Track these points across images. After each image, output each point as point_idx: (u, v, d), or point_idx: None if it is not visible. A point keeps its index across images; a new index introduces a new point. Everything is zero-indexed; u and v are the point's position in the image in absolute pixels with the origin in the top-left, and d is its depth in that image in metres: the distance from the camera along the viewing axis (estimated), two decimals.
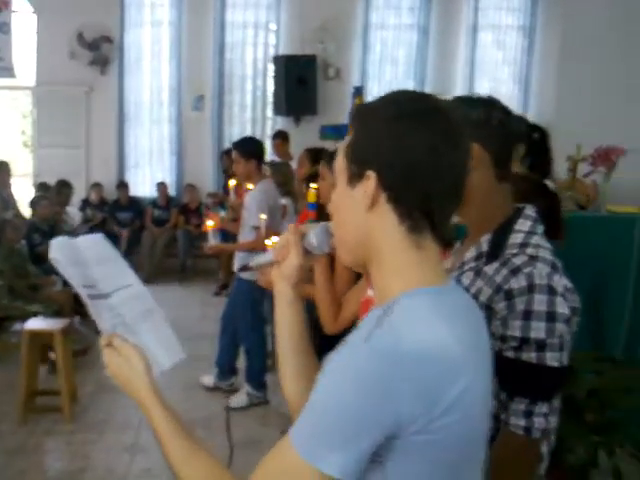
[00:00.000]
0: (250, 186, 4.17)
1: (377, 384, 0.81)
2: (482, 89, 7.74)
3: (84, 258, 1.17)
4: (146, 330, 1.19)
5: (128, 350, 1.11)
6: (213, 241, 3.99)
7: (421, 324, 0.86)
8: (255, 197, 4.09)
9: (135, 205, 8.02)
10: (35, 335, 3.99)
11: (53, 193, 6.13)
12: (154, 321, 1.23)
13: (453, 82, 8.17)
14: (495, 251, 1.30)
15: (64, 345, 3.94)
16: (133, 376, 1.09)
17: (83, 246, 1.19)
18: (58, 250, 1.13)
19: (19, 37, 8.34)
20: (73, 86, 8.20)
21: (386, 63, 8.34)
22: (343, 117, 7.11)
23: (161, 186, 8.04)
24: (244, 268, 1.32)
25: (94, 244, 1.22)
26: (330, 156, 2.40)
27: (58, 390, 4.00)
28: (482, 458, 0.98)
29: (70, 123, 8.29)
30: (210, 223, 3.93)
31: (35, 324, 4.06)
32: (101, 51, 8.13)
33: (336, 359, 0.87)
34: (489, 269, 1.28)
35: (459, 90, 7.91)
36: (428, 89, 7.99)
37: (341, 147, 1.00)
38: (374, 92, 7.86)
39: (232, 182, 4.60)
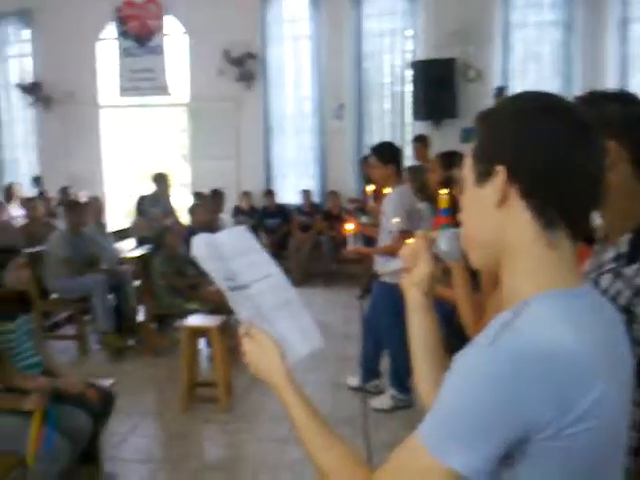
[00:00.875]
0: (388, 191, 4.20)
1: (502, 386, 0.81)
2: (637, 86, 7.25)
3: (224, 252, 1.20)
4: (283, 318, 1.21)
5: (264, 338, 1.15)
6: (352, 245, 4.08)
7: (549, 328, 0.84)
8: (391, 201, 4.10)
9: (282, 212, 8.44)
10: (194, 331, 4.37)
11: (208, 201, 6.64)
12: (292, 310, 1.24)
13: (603, 79, 7.72)
14: (635, 252, 1.25)
15: (220, 341, 4.28)
16: (268, 363, 1.14)
17: (223, 241, 1.22)
18: (199, 247, 1.18)
19: (173, 57, 9.11)
20: (223, 101, 8.80)
21: (529, 62, 8.09)
22: None
23: (305, 193, 8.39)
24: (375, 276, 1.36)
25: (235, 237, 1.25)
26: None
27: (215, 382, 4.35)
28: (620, 468, 0.95)
29: (221, 136, 8.91)
30: (349, 227, 4.03)
31: (194, 321, 4.43)
32: (246, 67, 8.65)
33: (462, 360, 0.87)
34: (629, 271, 1.24)
35: (610, 87, 7.46)
36: (576, 87, 7.64)
37: (468, 150, 1.00)
38: (518, 91, 7.62)
39: (370, 187, 4.66)
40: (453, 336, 1.93)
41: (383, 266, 1.27)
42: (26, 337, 3.21)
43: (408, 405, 4.32)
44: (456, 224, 1.10)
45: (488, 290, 2.25)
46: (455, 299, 2.21)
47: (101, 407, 3.13)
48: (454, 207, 2.69)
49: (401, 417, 4.21)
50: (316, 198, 8.62)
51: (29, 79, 9.68)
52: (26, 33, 9.78)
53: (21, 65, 9.92)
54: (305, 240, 8.12)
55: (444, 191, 2.68)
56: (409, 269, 1.17)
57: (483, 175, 0.94)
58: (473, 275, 2.15)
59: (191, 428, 4.10)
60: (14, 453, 2.70)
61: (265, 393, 4.48)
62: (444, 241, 1.14)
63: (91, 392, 3.11)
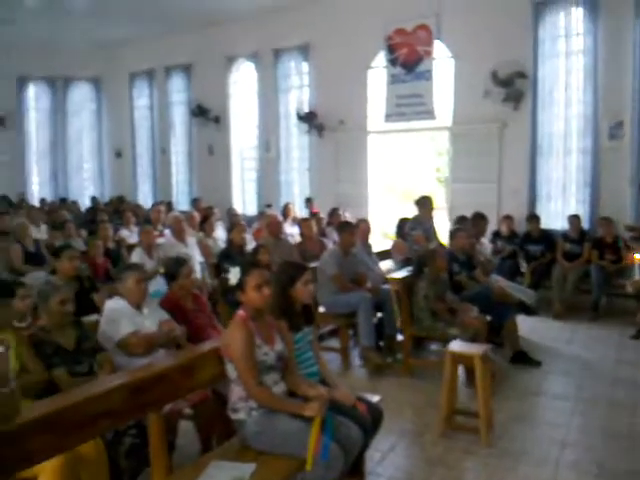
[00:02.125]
0: None
1: None
2: None
3: None
4: None
5: None
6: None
7: None
8: None
9: (546, 238, 7.98)
10: (457, 357, 4.31)
11: (469, 225, 6.55)
12: None
13: None
14: None
15: (484, 370, 4.16)
16: None
17: None
18: None
19: (438, 81, 9.24)
20: (487, 123, 8.66)
21: None
22: None
23: (574, 219, 7.83)
24: None
25: None
26: None
27: (476, 412, 4.24)
28: None
29: (483, 158, 8.76)
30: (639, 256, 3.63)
31: (457, 346, 4.38)
32: (515, 87, 8.40)
33: None
34: None
35: None
36: None
37: None
38: None
39: None
40: None
41: None
42: (307, 347, 3.48)
43: None
44: None
45: None
46: None
47: (371, 422, 3.24)
48: None
49: None
50: (585, 224, 7.98)
51: (306, 109, 10.65)
52: (305, 66, 10.81)
53: (299, 96, 10.97)
54: (571, 269, 7.56)
55: None
56: None
57: None
58: None
59: (450, 456, 4.03)
60: (295, 456, 2.91)
61: (527, 431, 4.26)
62: None
63: (362, 406, 3.24)
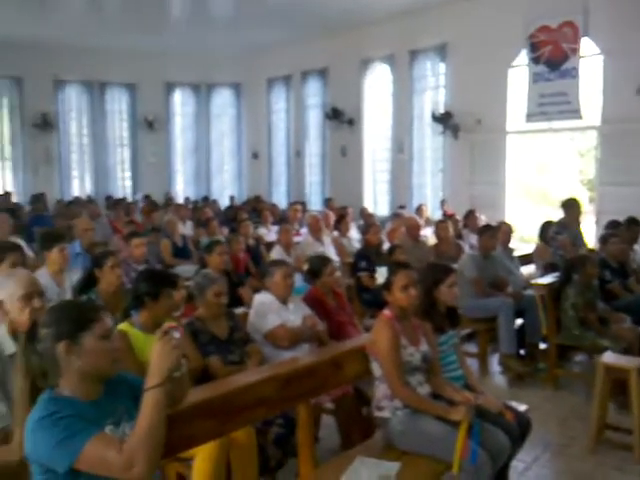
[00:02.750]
0: None
1: None
2: None
3: None
4: None
5: None
6: None
7: None
8: None
9: None
10: (609, 369, 4.06)
11: (622, 230, 6.14)
12: None
13: None
14: None
15: (639, 384, 3.88)
16: None
17: None
18: None
19: (585, 80, 8.74)
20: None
21: None
22: None
23: None
24: None
25: None
26: None
27: (629, 428, 3.97)
28: None
29: (636, 160, 8.17)
30: None
31: (611, 358, 4.12)
32: None
33: None
34: None
35: None
36: None
37: None
38: None
39: None
40: None
41: None
42: (451, 351, 3.43)
43: None
44: None
45: None
46: None
47: (518, 431, 3.13)
48: None
49: None
50: None
51: (441, 109, 10.50)
52: (441, 66, 10.66)
53: (434, 97, 10.84)
54: None
55: None
56: None
57: None
58: None
59: (600, 472, 3.80)
60: (440, 458, 2.88)
61: None
62: None
63: (509, 414, 3.14)
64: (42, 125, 13.82)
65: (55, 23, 11.48)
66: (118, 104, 14.89)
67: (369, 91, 12.26)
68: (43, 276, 4.48)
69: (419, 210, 9.74)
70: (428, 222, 9.19)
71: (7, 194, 12.24)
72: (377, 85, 12.12)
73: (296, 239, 7.42)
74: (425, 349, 3.20)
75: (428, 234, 8.39)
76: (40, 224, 8.64)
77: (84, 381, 1.91)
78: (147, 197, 13.01)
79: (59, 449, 1.75)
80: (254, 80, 14.64)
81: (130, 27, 11.93)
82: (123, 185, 15.05)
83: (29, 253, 6.08)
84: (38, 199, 10.71)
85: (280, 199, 13.99)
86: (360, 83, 12.20)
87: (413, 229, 6.92)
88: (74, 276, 4.69)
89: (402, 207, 10.54)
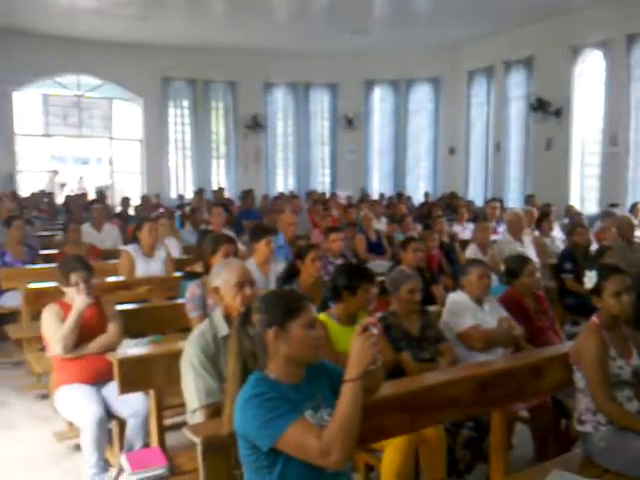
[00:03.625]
0: None
1: None
2: None
3: None
4: None
5: None
6: None
7: None
8: None
9: None
10: None
11: None
12: None
13: None
14: None
15: None
16: None
17: None
18: None
19: None
20: None
21: None
22: None
23: None
24: None
25: None
26: None
27: None
28: None
29: None
30: None
31: None
32: None
33: None
34: None
35: None
36: None
37: None
38: None
39: None
40: None
41: None
42: None
43: None
44: None
45: None
46: None
47: None
48: None
49: None
50: None
51: None
52: None
53: None
54: None
55: None
56: None
57: None
58: None
59: None
60: None
61: None
62: None
63: None
64: (253, 125, 14.97)
65: (265, 30, 12.35)
66: (320, 103, 15.60)
67: (579, 80, 11.42)
68: (250, 266, 4.86)
69: (634, 209, 8.85)
70: None
71: (221, 190, 13.46)
72: (588, 73, 11.24)
73: (493, 237, 7.16)
74: (637, 363, 2.91)
75: None
76: (248, 218, 9.36)
77: (289, 365, 2.03)
78: (333, 195, 13.43)
79: (264, 429, 1.89)
80: (454, 73, 14.39)
81: (334, 29, 12.40)
82: (323, 181, 15.74)
83: (239, 245, 6.63)
84: (247, 194, 11.59)
85: (477, 196, 13.60)
86: (569, 71, 11.41)
87: (626, 229, 6.31)
88: (278, 267, 5.01)
89: (614, 205, 9.64)
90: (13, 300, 5.21)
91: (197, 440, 2.20)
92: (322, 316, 3.45)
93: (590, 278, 2.99)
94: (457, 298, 3.96)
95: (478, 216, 9.64)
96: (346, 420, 1.88)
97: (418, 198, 14.02)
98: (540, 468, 2.85)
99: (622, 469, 2.73)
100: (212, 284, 2.95)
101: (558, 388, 3.18)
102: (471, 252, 6.48)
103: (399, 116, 15.42)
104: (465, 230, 8.55)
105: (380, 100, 15.68)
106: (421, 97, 15.40)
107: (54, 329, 3.50)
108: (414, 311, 3.69)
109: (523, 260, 4.30)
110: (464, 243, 7.29)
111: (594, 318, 2.97)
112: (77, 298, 3.56)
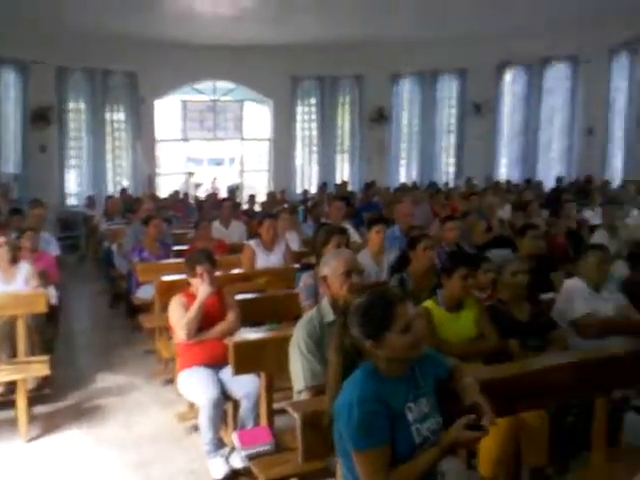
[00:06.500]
0: None
1: None
2: None
3: None
4: None
5: None
6: None
7: None
8: None
9: None
10: None
11: None
12: None
13: None
14: None
15: None
16: None
17: None
18: None
19: None
20: None
21: None
22: None
23: None
24: None
25: None
26: None
27: None
28: None
29: None
30: None
31: None
32: None
33: None
34: None
35: None
36: None
37: None
38: None
39: None
40: None
41: None
42: None
43: None
44: None
45: None
46: None
47: None
48: None
49: None
50: None
51: None
52: None
53: None
54: None
55: None
56: None
57: None
58: None
59: None
60: None
61: None
62: None
63: None
64: (378, 118, 15.04)
65: (390, 22, 12.25)
66: (448, 91, 15.27)
67: None
68: (364, 256, 4.98)
69: None
70: None
71: (344, 183, 13.67)
72: None
73: (626, 221, 6.71)
74: None
75: None
76: (369, 210, 9.45)
77: (391, 363, 2.11)
78: (469, 180, 13.13)
79: (353, 434, 1.99)
80: (595, 51, 13.36)
81: (460, 13, 12.00)
82: (447, 171, 15.44)
83: (356, 237, 6.75)
84: (369, 187, 11.69)
85: (615, 178, 12.66)
86: None
87: None
88: (391, 256, 5.08)
89: None
90: (148, 293, 5.69)
91: (296, 416, 2.34)
92: (429, 303, 3.50)
93: None
94: (572, 284, 3.83)
95: (614, 199, 9.03)
96: (414, 475, 1.99)
97: (551, 183, 13.32)
98: None
99: None
100: (321, 273, 3.06)
101: None
102: (599, 237, 6.15)
103: (532, 98, 14.64)
104: (597, 215, 8.07)
105: (512, 82, 15.01)
106: (558, 76, 14.47)
107: (179, 316, 3.83)
108: (522, 297, 3.62)
109: None
110: (594, 228, 6.90)
111: None
112: (200, 288, 3.87)
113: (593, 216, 7.99)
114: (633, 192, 8.37)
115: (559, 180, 12.89)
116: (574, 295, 3.73)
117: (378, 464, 1.97)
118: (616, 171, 13.04)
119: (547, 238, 6.22)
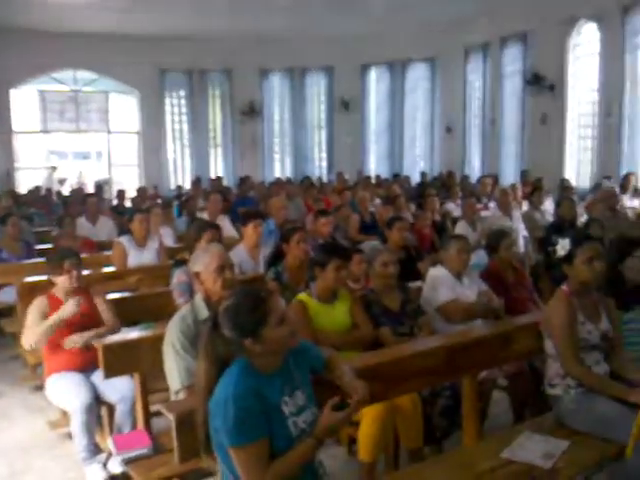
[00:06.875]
0: None
1: None
2: None
3: None
4: None
5: None
6: None
7: None
8: None
9: None
10: None
11: None
12: None
13: None
14: None
15: None
16: None
17: None
18: None
19: None
20: None
21: None
22: None
23: None
24: None
25: None
26: None
27: None
28: None
29: None
30: None
31: None
32: None
33: None
34: None
35: None
36: None
37: None
38: None
39: None
40: None
41: None
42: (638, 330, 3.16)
43: None
44: None
45: None
46: None
47: None
48: None
49: None
50: None
51: None
52: None
53: None
54: None
55: None
56: None
57: None
58: None
59: None
60: (613, 441, 2.71)
61: None
62: None
63: None
64: (249, 112, 15.02)
65: (259, 16, 12.26)
66: (317, 87, 15.59)
67: (574, 53, 11.36)
68: (240, 251, 4.96)
69: (626, 179, 8.86)
70: (637, 193, 8.33)
71: (219, 178, 13.54)
72: (583, 46, 11.19)
73: (484, 214, 7.22)
74: (605, 327, 3.00)
75: (636, 205, 7.65)
76: (244, 205, 9.43)
77: (267, 357, 2.11)
78: (340, 175, 13.47)
79: (229, 430, 1.98)
80: (450, 52, 14.21)
81: (329, 13, 12.28)
82: (320, 166, 15.77)
83: (233, 232, 6.71)
84: (243, 182, 11.64)
85: (474, 173, 13.59)
86: (563, 45, 11.33)
87: (609, 199, 6.36)
88: (266, 251, 5.10)
89: (607, 177, 9.65)
90: (9, 295, 5.31)
91: (171, 417, 2.29)
92: (302, 296, 3.54)
93: (563, 246, 3.04)
94: (436, 273, 4.04)
95: (472, 193, 9.67)
96: (293, 467, 2.05)
97: (416, 178, 14.03)
98: (512, 431, 2.95)
99: (591, 430, 2.82)
100: (193, 269, 3.00)
101: (530, 354, 3.26)
102: (460, 228, 6.56)
103: (395, 97, 15.36)
104: (458, 208, 8.60)
105: (376, 81, 15.63)
106: (417, 76, 15.27)
107: (31, 321, 3.59)
108: (393, 287, 3.77)
109: (501, 234, 4.37)
110: (456, 220, 7.35)
111: (563, 286, 3.04)
112: (65, 306, 3.57)
113: (455, 209, 8.50)
114: (489, 187, 9.00)
115: (423, 175, 13.59)
116: (438, 283, 3.94)
117: (256, 459, 1.99)
118: (474, 167, 13.97)
119: (414, 230, 6.54)
